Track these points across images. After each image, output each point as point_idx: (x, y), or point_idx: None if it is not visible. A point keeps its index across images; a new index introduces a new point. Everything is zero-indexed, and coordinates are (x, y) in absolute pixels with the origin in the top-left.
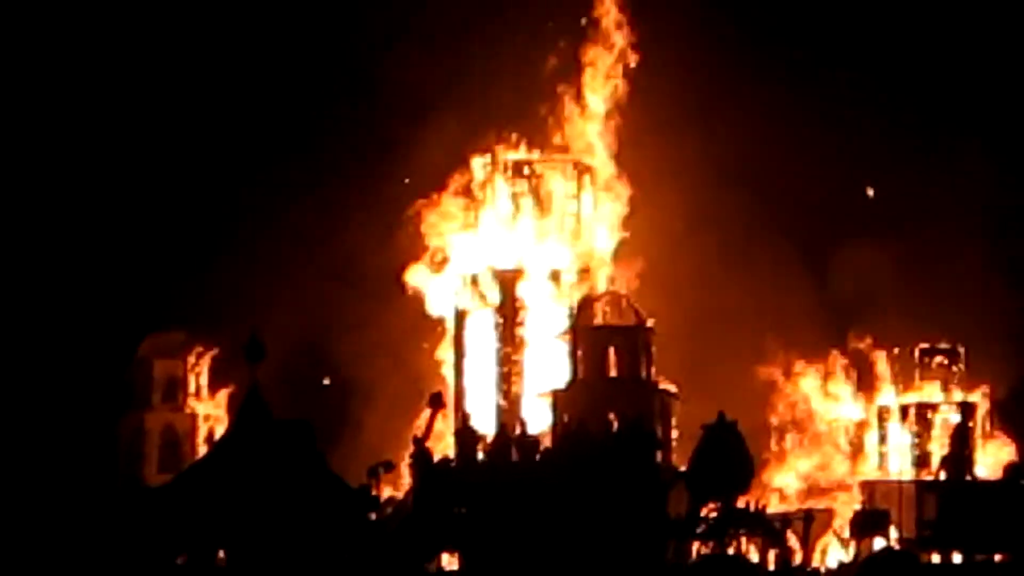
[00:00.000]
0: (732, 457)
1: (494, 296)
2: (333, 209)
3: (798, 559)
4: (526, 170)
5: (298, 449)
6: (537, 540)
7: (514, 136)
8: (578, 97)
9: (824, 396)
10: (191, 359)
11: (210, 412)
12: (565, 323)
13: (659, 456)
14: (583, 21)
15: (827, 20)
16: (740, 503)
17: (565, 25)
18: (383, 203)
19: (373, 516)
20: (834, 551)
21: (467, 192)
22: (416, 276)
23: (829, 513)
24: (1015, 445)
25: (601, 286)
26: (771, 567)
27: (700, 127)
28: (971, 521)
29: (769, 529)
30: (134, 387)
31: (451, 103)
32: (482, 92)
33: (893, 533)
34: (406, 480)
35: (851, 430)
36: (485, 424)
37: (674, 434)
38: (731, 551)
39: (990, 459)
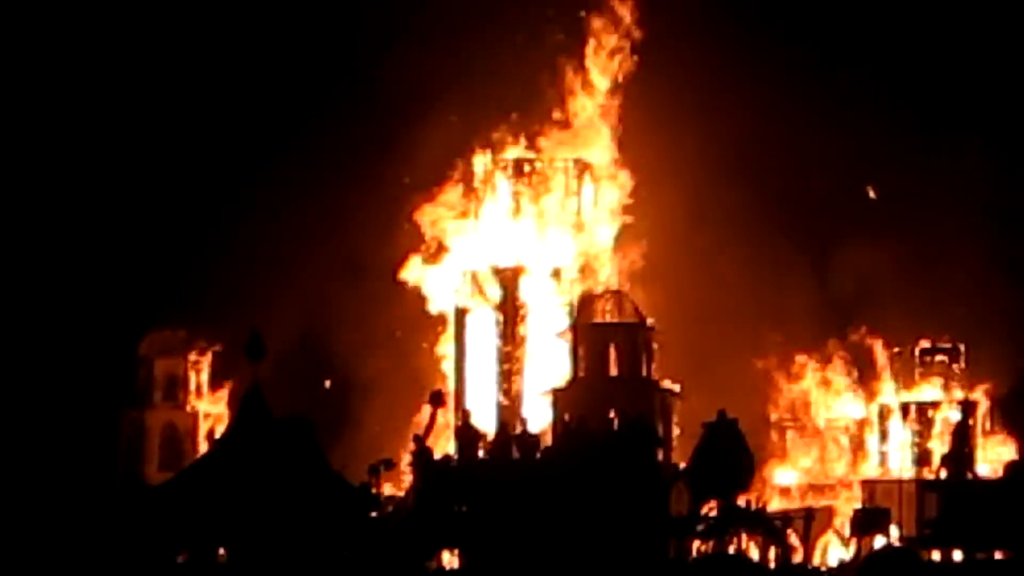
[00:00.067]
0: (732, 455)
1: (495, 294)
2: (333, 207)
3: (799, 557)
4: (526, 168)
5: (298, 447)
6: (538, 538)
7: (515, 117)
8: (580, 69)
9: (825, 394)
10: (192, 357)
11: (211, 410)
12: (566, 321)
13: (659, 454)
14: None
15: (829, 19)
16: (740, 501)
17: (569, 7)
18: (383, 201)
19: (374, 514)
20: (834, 549)
21: (467, 189)
22: (415, 271)
23: (829, 511)
24: (1015, 443)
25: (601, 284)
26: (771, 565)
27: (701, 124)
28: (972, 519)
29: (770, 527)
30: (135, 385)
31: (452, 95)
32: (484, 78)
33: (894, 531)
34: (407, 478)
35: (852, 428)
36: (486, 422)
37: (675, 432)
38: (731, 549)
39: (991, 457)
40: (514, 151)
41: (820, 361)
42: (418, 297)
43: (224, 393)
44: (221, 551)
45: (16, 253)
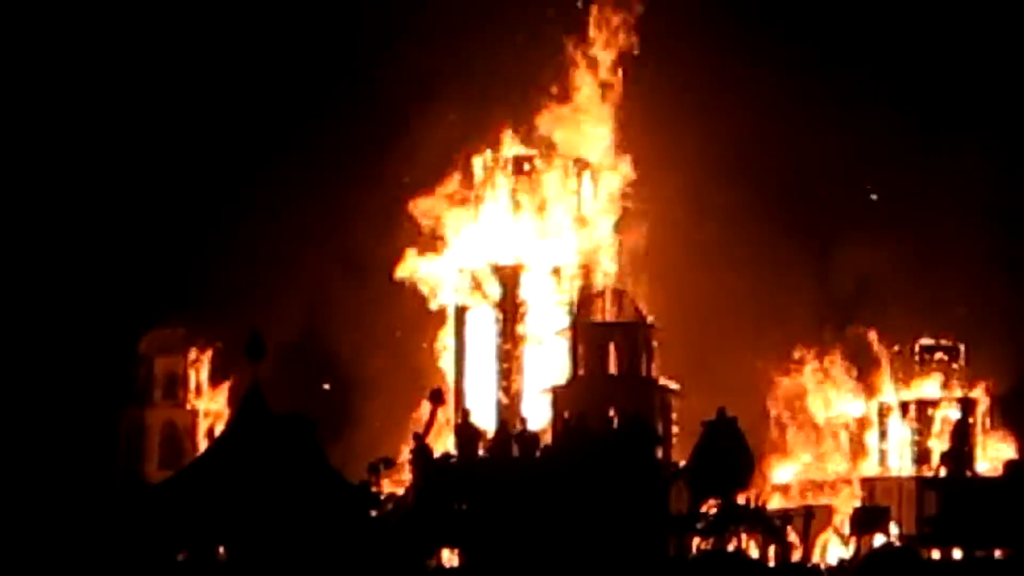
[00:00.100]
0: (732, 453)
1: (494, 292)
2: (333, 206)
3: (798, 555)
4: (526, 166)
5: (298, 445)
6: (538, 536)
7: (515, 99)
8: (581, 56)
9: (824, 392)
10: (192, 355)
11: (210, 408)
12: (565, 319)
13: (659, 452)
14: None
15: (829, 19)
16: (740, 499)
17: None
18: (383, 200)
19: (373, 512)
20: (834, 548)
21: (467, 186)
22: (414, 267)
23: (829, 509)
24: (1015, 442)
25: (601, 282)
26: (771, 563)
27: (700, 122)
28: (971, 517)
29: (769, 525)
30: (135, 383)
31: (452, 94)
32: (484, 76)
33: (893, 529)
34: (407, 476)
35: (851, 426)
36: (485, 420)
37: (674, 430)
38: (731, 547)
39: (990, 456)
40: (514, 149)
41: (820, 359)
42: (418, 295)
43: (224, 391)
44: (221, 549)
45: (16, 252)
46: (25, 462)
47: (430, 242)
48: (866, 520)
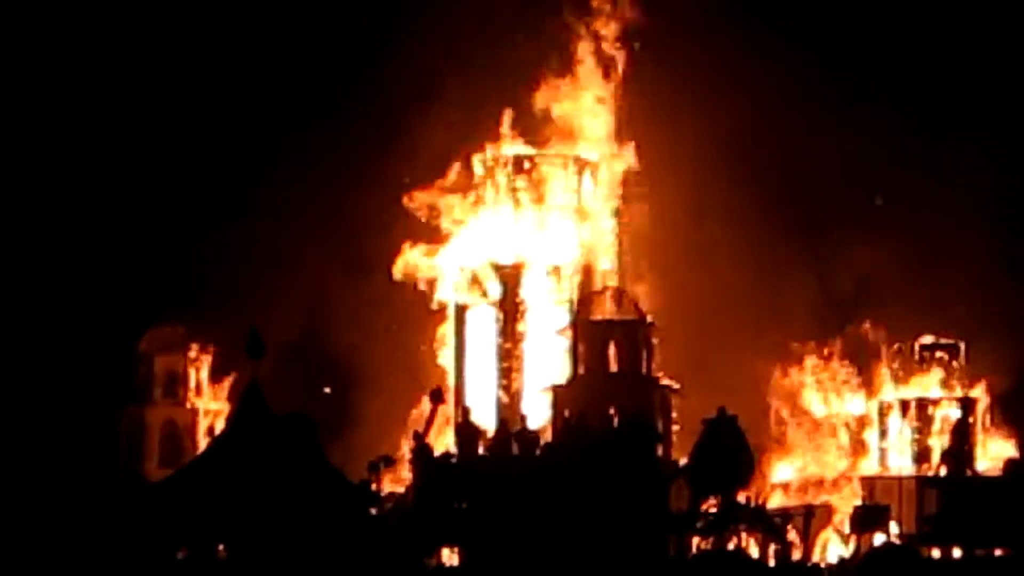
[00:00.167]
0: (732, 452)
1: (495, 291)
2: (333, 205)
3: (798, 554)
4: (526, 164)
5: (298, 444)
6: (538, 535)
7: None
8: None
9: (825, 391)
10: (192, 354)
11: (210, 407)
12: (565, 318)
13: (659, 451)
14: None
15: (829, 19)
16: (740, 498)
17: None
18: (383, 198)
19: (373, 511)
20: (834, 546)
21: (466, 184)
22: (414, 262)
23: (829, 508)
24: (1015, 440)
25: (601, 281)
26: (771, 562)
27: (700, 121)
28: (971, 516)
29: (769, 524)
30: (135, 381)
31: (451, 93)
32: (483, 74)
33: (893, 528)
34: (407, 475)
35: (852, 425)
36: (486, 419)
37: (674, 429)
38: (731, 546)
39: (990, 454)
40: (514, 148)
41: (820, 357)
42: (418, 292)
43: (224, 390)
44: (221, 548)
45: (16, 251)
46: (25, 461)
47: (430, 235)
48: (866, 519)
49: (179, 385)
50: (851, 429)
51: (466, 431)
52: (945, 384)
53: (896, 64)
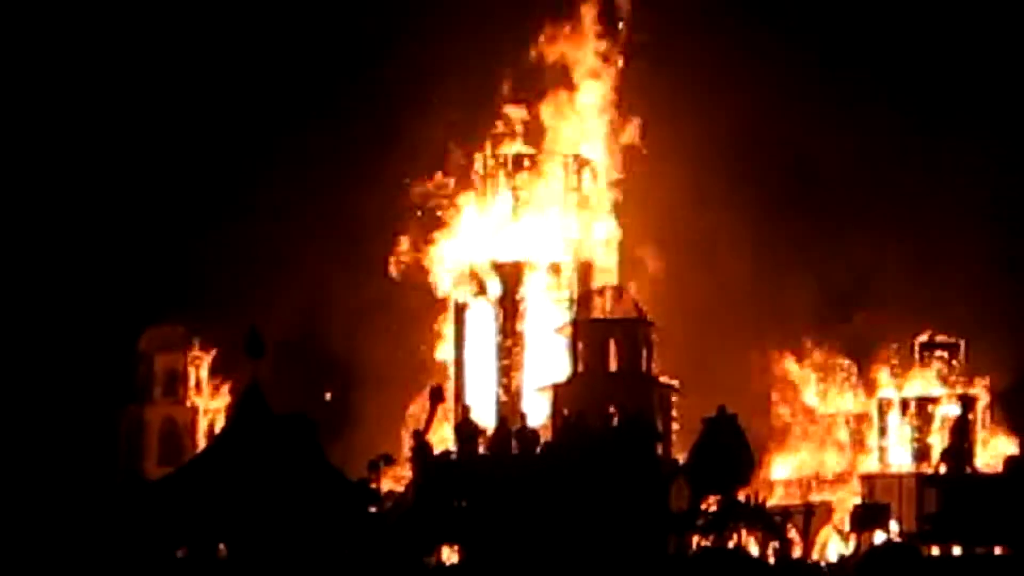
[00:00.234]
0: (732, 450)
1: (494, 289)
2: (332, 204)
3: (798, 552)
4: (526, 163)
5: (298, 443)
6: (537, 534)
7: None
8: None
9: (824, 389)
10: (192, 353)
11: (210, 406)
12: (565, 316)
13: (659, 449)
14: None
15: (829, 19)
16: (740, 496)
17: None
18: (383, 197)
19: (373, 509)
20: (834, 545)
21: (467, 184)
22: (415, 261)
23: (829, 507)
24: (1015, 438)
25: (601, 279)
26: (771, 561)
27: (700, 120)
28: (971, 514)
29: (769, 522)
30: (134, 380)
31: (451, 92)
32: (483, 72)
33: (893, 527)
34: (407, 473)
35: (851, 423)
36: (485, 417)
37: (674, 427)
38: (731, 544)
39: (990, 452)
40: (513, 146)
41: (820, 356)
42: (418, 289)
43: (224, 389)
44: (221, 547)
45: (16, 250)
46: (25, 459)
47: (429, 233)
48: (866, 517)
49: (179, 384)
50: (851, 427)
51: (466, 429)
52: (945, 382)
53: (896, 64)
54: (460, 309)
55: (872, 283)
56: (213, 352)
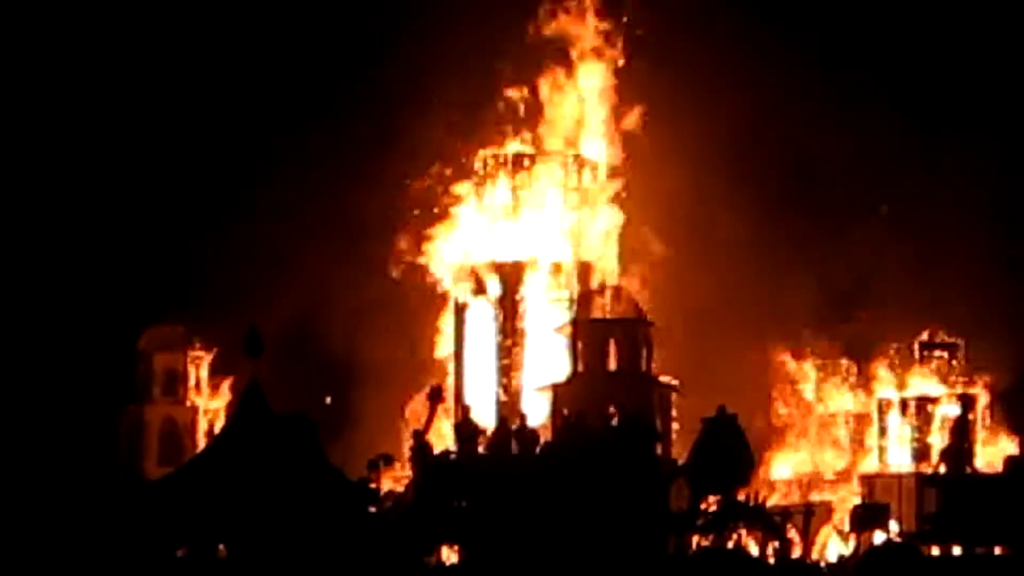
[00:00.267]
0: (732, 451)
1: (494, 289)
2: (333, 203)
3: (798, 552)
4: (526, 162)
5: (298, 442)
6: (537, 534)
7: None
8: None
9: (824, 389)
10: (193, 353)
11: (210, 405)
12: (565, 316)
13: (659, 449)
14: None
15: (829, 19)
16: (740, 496)
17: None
18: (383, 196)
19: (373, 509)
20: (834, 545)
21: (467, 183)
22: (415, 260)
23: (829, 506)
24: (1015, 438)
25: (600, 279)
26: (771, 561)
27: (701, 119)
28: (971, 514)
29: (769, 522)
30: (134, 380)
31: (451, 92)
32: (482, 72)
33: (893, 527)
34: (406, 473)
35: (851, 423)
36: (485, 417)
37: (674, 427)
38: (731, 544)
39: (990, 452)
40: (513, 145)
41: (820, 356)
42: (417, 291)
43: (224, 389)
44: (220, 547)
45: (16, 250)
46: (25, 459)
47: (430, 224)
48: (866, 517)
49: (178, 384)
50: (851, 427)
51: (465, 429)
52: (945, 382)
53: (896, 64)
54: (460, 309)
55: (872, 283)
56: (213, 352)
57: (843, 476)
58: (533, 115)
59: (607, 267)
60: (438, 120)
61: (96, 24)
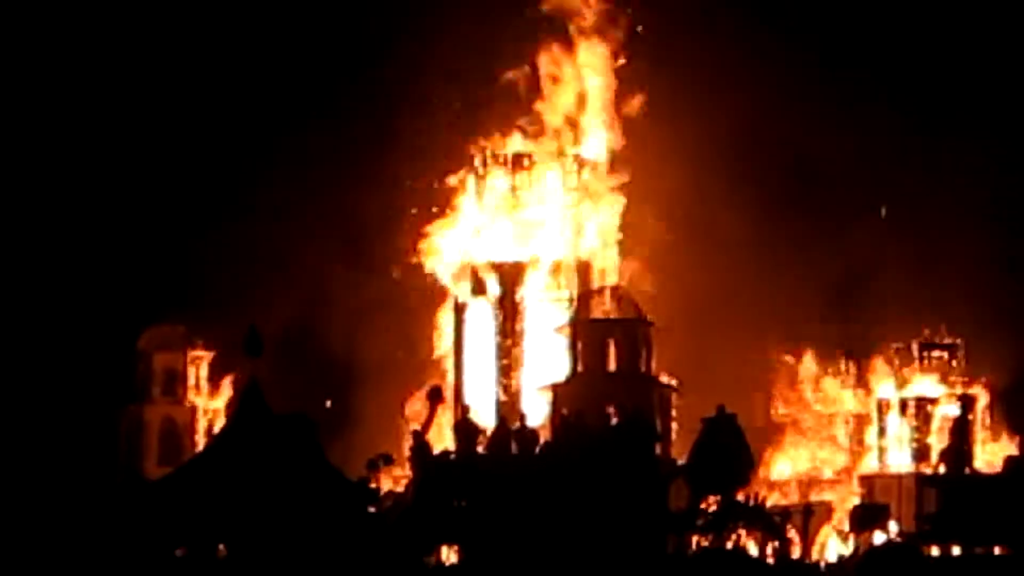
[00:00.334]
0: (731, 451)
1: (494, 289)
2: (333, 203)
3: (797, 553)
4: (525, 162)
5: (297, 442)
6: (537, 533)
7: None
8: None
9: (824, 389)
10: (193, 352)
11: (209, 405)
12: (564, 316)
13: (658, 449)
14: None
15: (829, 19)
16: (739, 496)
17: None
18: (382, 196)
19: (372, 509)
20: (833, 545)
21: (466, 183)
22: (415, 260)
23: (828, 507)
24: (1015, 438)
25: (600, 279)
26: (770, 561)
27: (701, 119)
28: (971, 514)
29: (768, 523)
30: (134, 380)
31: (450, 92)
32: (482, 71)
33: (893, 527)
34: (405, 472)
35: (851, 423)
36: (485, 417)
37: (673, 427)
38: (730, 544)
39: (990, 452)
40: (513, 145)
41: (819, 356)
42: (417, 291)
43: (223, 389)
44: (220, 546)
45: (16, 250)
46: (25, 458)
47: (430, 222)
48: (865, 517)
49: (178, 383)
50: (850, 427)
51: (465, 429)
52: (945, 382)
53: (896, 64)
54: (460, 308)
55: (872, 283)
56: (213, 352)
57: (843, 476)
58: (533, 96)
59: (607, 266)
60: (438, 120)
61: (96, 24)
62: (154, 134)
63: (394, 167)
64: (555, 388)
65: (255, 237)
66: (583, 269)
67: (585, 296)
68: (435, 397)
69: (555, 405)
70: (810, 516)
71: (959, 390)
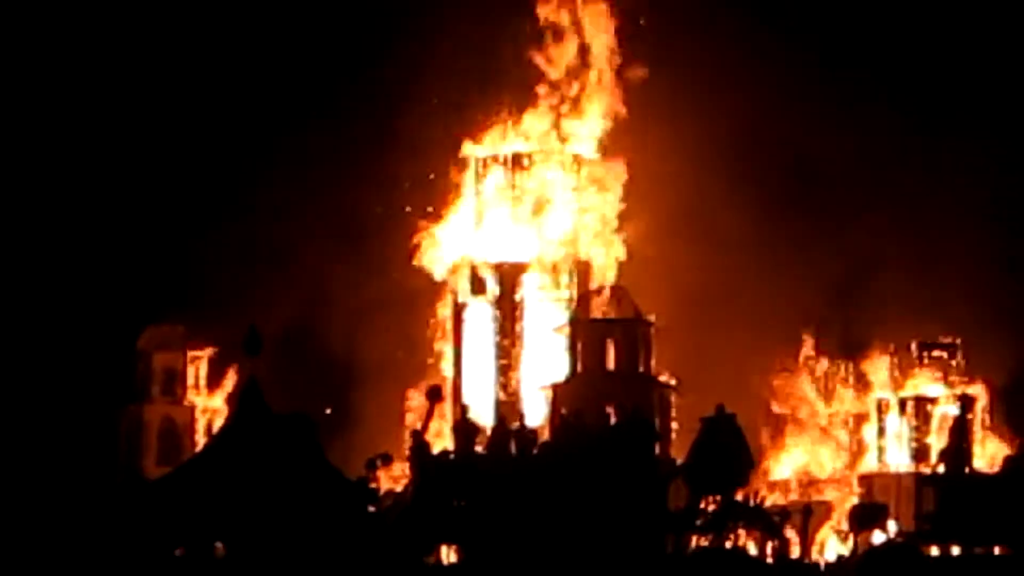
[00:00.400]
0: (731, 450)
1: (493, 289)
2: (333, 203)
3: (796, 552)
4: (525, 162)
5: (297, 442)
6: (536, 533)
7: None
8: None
9: (823, 389)
10: (194, 352)
11: (209, 405)
12: (564, 316)
13: (658, 449)
14: None
15: (830, 19)
16: (739, 496)
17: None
18: (382, 196)
19: (372, 509)
20: (833, 544)
21: (466, 183)
22: (415, 260)
23: (828, 506)
24: (1014, 438)
25: (600, 279)
26: (769, 560)
27: (701, 119)
28: (970, 514)
29: (768, 522)
30: (133, 379)
31: (450, 93)
32: (481, 72)
33: (892, 526)
34: (404, 472)
35: (850, 423)
36: (484, 417)
37: (673, 427)
38: (729, 544)
39: (989, 452)
40: (512, 145)
41: (819, 356)
42: (417, 291)
43: (222, 388)
44: (219, 546)
45: (16, 250)
46: (25, 459)
47: (429, 221)
48: (864, 517)
49: (177, 383)
50: (850, 427)
51: (464, 429)
52: (944, 382)
53: (896, 64)
54: (459, 309)
55: (872, 283)
56: (212, 351)
57: (842, 476)
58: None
59: (606, 267)
60: (438, 120)
61: (96, 24)
62: (154, 134)
63: (394, 167)
64: (554, 388)
65: (255, 237)
66: (583, 269)
67: (585, 296)
68: (434, 397)
69: (554, 405)
70: (809, 516)
71: (958, 390)
